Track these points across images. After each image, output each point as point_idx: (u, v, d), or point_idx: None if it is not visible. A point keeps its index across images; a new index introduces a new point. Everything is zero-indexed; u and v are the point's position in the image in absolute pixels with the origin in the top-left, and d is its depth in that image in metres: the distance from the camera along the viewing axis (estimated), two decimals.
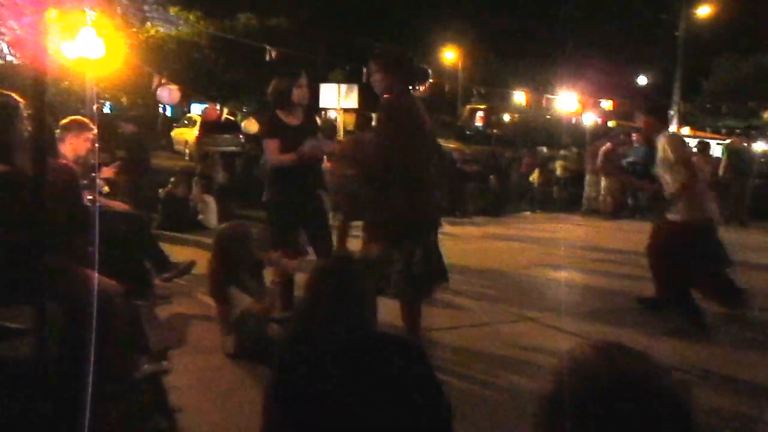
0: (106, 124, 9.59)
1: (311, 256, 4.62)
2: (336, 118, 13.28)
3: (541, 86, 26.65)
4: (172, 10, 23.55)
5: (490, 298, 5.59)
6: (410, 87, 3.80)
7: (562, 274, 6.61)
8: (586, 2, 32.55)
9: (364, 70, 3.96)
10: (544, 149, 19.41)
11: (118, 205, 5.49)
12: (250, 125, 18.13)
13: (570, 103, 19.76)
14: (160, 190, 9.87)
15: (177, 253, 6.12)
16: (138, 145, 9.43)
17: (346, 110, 13.45)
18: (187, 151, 19.39)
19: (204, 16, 26.49)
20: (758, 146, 20.49)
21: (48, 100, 2.21)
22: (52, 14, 9.05)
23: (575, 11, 32.07)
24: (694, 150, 17.88)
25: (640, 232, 5.93)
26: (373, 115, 5.05)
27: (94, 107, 11.85)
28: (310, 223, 4.59)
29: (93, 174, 5.01)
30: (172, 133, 22.13)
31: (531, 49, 35.27)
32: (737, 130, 25.94)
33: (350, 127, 11.52)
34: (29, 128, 2.74)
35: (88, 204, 4.04)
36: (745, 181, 12.04)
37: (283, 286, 4.43)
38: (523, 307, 5.29)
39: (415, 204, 3.64)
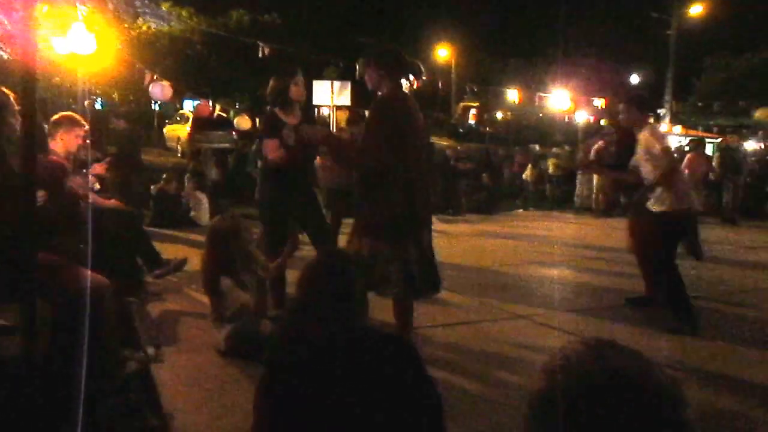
0: (97, 121, 9.54)
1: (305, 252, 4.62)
2: (329, 115, 13.26)
3: (533, 84, 26.71)
4: (164, 6, 23.47)
5: (482, 296, 5.59)
6: (404, 82, 3.78)
7: (555, 272, 6.62)
8: (579, 1, 32.64)
9: (357, 67, 3.93)
10: (537, 147, 19.46)
11: (110, 202, 5.46)
12: (243, 122, 18.09)
13: (563, 101, 19.81)
14: (152, 187, 9.85)
15: (169, 250, 6.10)
16: (129, 142, 9.38)
17: (339, 107, 13.43)
18: (179, 147, 19.32)
19: (196, 13, 26.41)
20: (749, 145, 20.61)
21: (39, 96, 2.19)
22: (42, 9, 9.00)
23: (568, 10, 32.12)
24: (686, 148, 17.98)
25: None
26: (366, 113, 5.03)
27: (86, 103, 11.78)
28: (309, 222, 4.58)
29: (84, 170, 4.98)
30: (164, 130, 22.06)
31: (524, 47, 35.36)
32: (728, 129, 26.11)
33: (342, 124, 11.52)
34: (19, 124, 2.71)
35: (79, 200, 4.02)
36: (736, 179, 12.12)
37: (274, 284, 4.42)
38: (516, 305, 5.30)
39: (408, 202, 3.63)
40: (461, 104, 35.83)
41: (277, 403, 1.92)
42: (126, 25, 19.38)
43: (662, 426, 0.90)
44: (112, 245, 4.49)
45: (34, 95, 1.93)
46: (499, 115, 34.67)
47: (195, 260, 5.51)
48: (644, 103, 5.00)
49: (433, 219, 4.28)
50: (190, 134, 18.50)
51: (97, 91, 20.11)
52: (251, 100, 30.44)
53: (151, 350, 3.79)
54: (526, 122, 32.08)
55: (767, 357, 4.25)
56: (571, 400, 0.92)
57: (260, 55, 14.21)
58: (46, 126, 4.82)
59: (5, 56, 14.66)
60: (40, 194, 3.11)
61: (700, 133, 25.17)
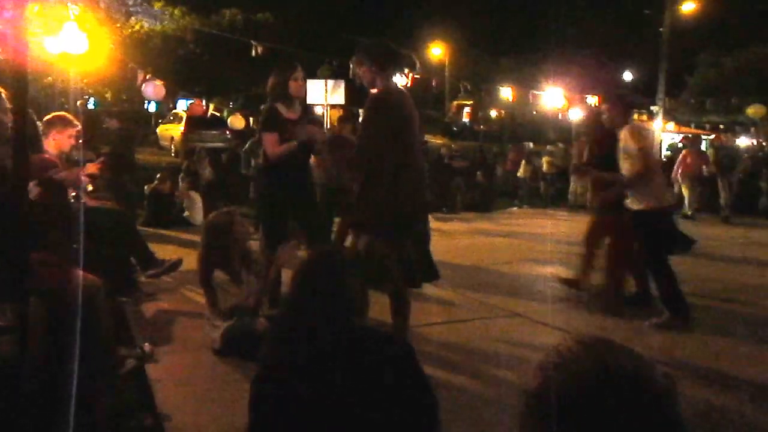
0: (90, 120, 9.50)
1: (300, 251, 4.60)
2: (323, 114, 13.24)
3: (527, 82, 26.72)
4: (157, 5, 23.37)
5: (477, 294, 5.60)
6: (400, 78, 3.77)
7: (549, 269, 6.63)
8: None
9: (350, 66, 3.92)
10: (531, 145, 19.48)
11: (103, 202, 5.44)
12: (236, 121, 18.05)
13: (556, 99, 19.81)
14: (146, 187, 9.81)
15: (163, 250, 6.08)
16: (122, 141, 9.35)
17: (333, 106, 13.40)
18: (172, 147, 19.26)
19: (189, 11, 26.30)
20: (741, 141, 20.71)
21: (31, 95, 2.18)
22: (34, 9, 8.94)
23: (561, 8, 32.19)
24: (679, 145, 18.03)
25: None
26: (361, 111, 5.03)
27: (78, 103, 11.72)
28: (306, 220, 4.57)
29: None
30: (158, 130, 21.98)
31: (518, 45, 35.40)
32: (721, 126, 26.21)
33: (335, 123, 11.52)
34: (11, 122, 2.70)
35: (72, 200, 4.01)
36: (730, 177, 12.14)
37: (271, 283, 4.41)
38: (511, 302, 5.31)
39: (403, 197, 3.63)
40: (455, 102, 35.83)
41: (272, 401, 1.92)
42: (118, 25, 19.27)
43: (657, 423, 0.90)
44: (105, 245, 4.48)
45: (25, 95, 1.92)
46: (493, 113, 34.68)
47: (189, 260, 5.50)
48: (625, 103, 5.11)
49: (429, 217, 4.27)
50: (183, 134, 18.43)
51: (90, 91, 20.02)
52: (245, 99, 30.39)
53: (147, 348, 3.78)
54: (520, 120, 32.10)
55: (760, 353, 4.27)
56: (566, 398, 0.92)
57: (253, 54, 14.15)
58: (40, 124, 4.80)
59: None
60: (33, 188, 3.10)
61: (693, 130, 25.27)
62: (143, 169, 11.83)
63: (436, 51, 36.73)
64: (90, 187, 5.58)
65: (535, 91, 20.63)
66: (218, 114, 19.44)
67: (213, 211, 4.62)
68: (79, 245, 3.22)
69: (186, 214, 9.62)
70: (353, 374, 1.83)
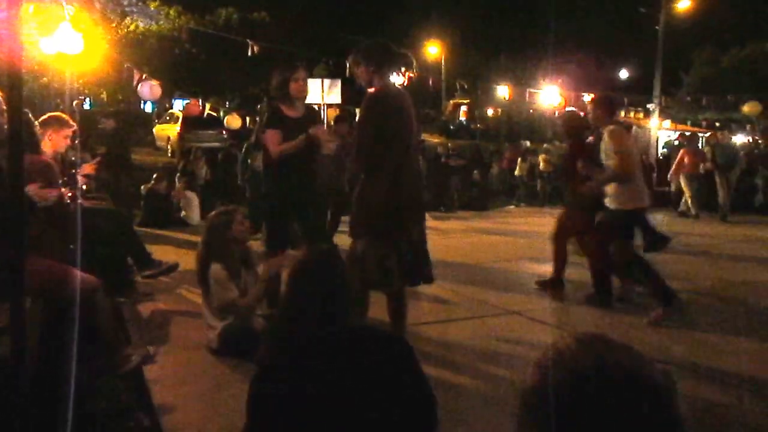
0: (86, 120, 9.47)
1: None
2: (319, 113, 13.23)
3: (524, 80, 26.75)
4: (152, 5, 23.34)
5: (475, 292, 5.60)
6: (398, 78, 3.77)
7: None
8: None
9: (347, 64, 3.92)
10: (528, 143, 19.51)
11: (99, 202, 5.42)
12: (233, 121, 18.04)
13: (553, 97, 19.85)
14: (142, 187, 9.80)
15: (159, 250, 6.07)
16: (119, 142, 9.33)
17: (329, 105, 13.41)
18: (169, 147, 19.24)
19: (184, 11, 26.26)
20: (738, 138, 20.73)
21: (26, 96, 2.17)
22: (29, 9, 8.92)
23: (557, 6, 32.20)
24: (676, 143, 18.02)
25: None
26: (356, 110, 5.04)
27: (74, 103, 11.69)
28: (307, 219, 4.57)
29: (73, 171, 4.94)
30: (154, 130, 21.96)
31: (514, 44, 35.39)
32: (717, 123, 26.25)
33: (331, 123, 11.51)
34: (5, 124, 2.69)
35: (68, 201, 3.99)
36: (728, 175, 12.12)
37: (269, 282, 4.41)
38: (508, 300, 5.32)
39: (398, 198, 3.63)
40: (452, 101, 35.85)
41: (270, 401, 1.91)
42: (114, 25, 19.24)
43: (655, 420, 0.90)
44: (102, 246, 4.47)
45: (20, 95, 1.92)
46: (490, 111, 34.71)
47: (186, 260, 5.49)
48: (610, 104, 5.27)
49: (426, 216, 4.27)
50: (180, 133, 18.40)
51: (86, 91, 19.98)
52: (241, 99, 30.36)
53: (152, 348, 3.79)
54: (517, 118, 32.16)
55: (759, 350, 4.28)
56: (564, 395, 0.92)
57: (250, 53, 14.14)
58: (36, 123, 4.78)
59: None
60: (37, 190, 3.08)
61: (689, 128, 25.31)
62: (140, 169, 11.81)
63: (433, 50, 36.72)
64: (86, 187, 5.57)
65: (531, 90, 20.65)
66: (215, 114, 19.43)
67: (210, 211, 4.61)
68: (76, 246, 3.21)
69: (183, 214, 9.61)
70: (352, 373, 1.83)
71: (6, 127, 2.76)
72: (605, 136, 4.93)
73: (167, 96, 24.19)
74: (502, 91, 19.97)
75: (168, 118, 21.29)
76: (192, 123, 18.36)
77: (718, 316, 5.00)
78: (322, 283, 1.97)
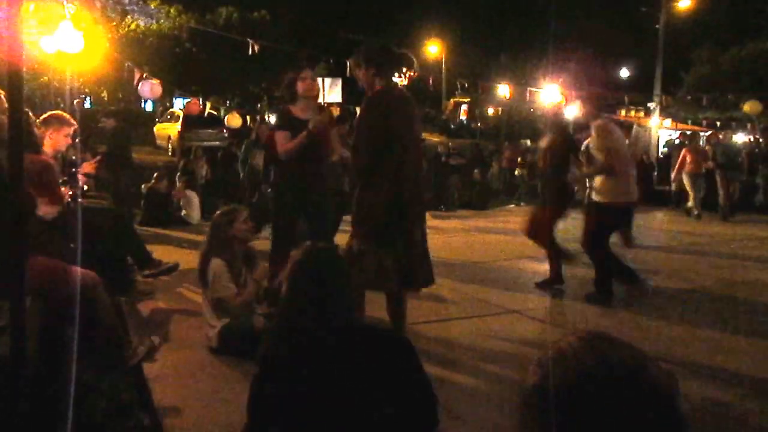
0: (86, 119, 9.47)
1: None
2: None
3: (524, 79, 26.74)
4: (153, 4, 23.32)
5: (475, 291, 5.60)
6: (398, 76, 3.77)
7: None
8: None
9: (348, 63, 3.92)
10: (528, 142, 19.48)
11: (100, 202, 5.42)
12: (233, 119, 18.00)
13: (553, 96, 19.82)
14: (143, 186, 9.79)
15: (160, 249, 6.07)
16: (119, 140, 9.32)
17: (330, 104, 13.41)
18: (169, 146, 19.22)
19: (185, 10, 26.26)
20: (738, 137, 20.71)
21: (27, 95, 2.17)
22: (29, 8, 8.91)
23: (558, 5, 32.18)
24: (677, 142, 18.00)
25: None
26: (356, 109, 5.03)
27: (75, 102, 11.69)
28: (313, 219, 4.57)
29: (73, 170, 4.94)
30: (155, 128, 21.95)
31: (514, 42, 35.37)
32: (717, 123, 26.22)
33: None
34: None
35: (68, 199, 4.00)
36: (731, 175, 12.07)
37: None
38: (508, 300, 5.32)
39: (397, 198, 3.62)
40: (452, 100, 35.84)
41: (271, 400, 1.91)
42: (114, 24, 19.25)
43: (658, 419, 0.90)
44: (102, 244, 4.47)
45: (21, 94, 1.91)
46: (490, 110, 34.67)
47: (187, 260, 5.49)
48: (597, 101, 5.46)
49: (426, 215, 4.27)
50: (180, 132, 18.39)
51: (86, 90, 19.99)
52: (241, 98, 30.36)
53: (156, 339, 3.80)
54: (517, 117, 32.12)
55: (761, 348, 4.28)
56: (566, 394, 0.92)
57: (250, 52, 14.11)
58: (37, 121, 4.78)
59: None
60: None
61: (690, 127, 25.28)
62: (140, 169, 11.80)
63: (433, 49, 36.67)
64: (86, 186, 5.57)
65: (532, 88, 20.61)
66: (215, 112, 19.40)
67: (210, 210, 4.62)
68: (76, 245, 3.21)
69: (183, 213, 9.60)
70: (353, 372, 1.83)
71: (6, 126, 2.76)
72: (593, 132, 5.11)
73: (167, 95, 24.17)
74: (503, 90, 19.93)
75: (168, 117, 21.27)
76: (192, 122, 18.34)
77: (718, 316, 5.00)
78: (322, 282, 1.96)
